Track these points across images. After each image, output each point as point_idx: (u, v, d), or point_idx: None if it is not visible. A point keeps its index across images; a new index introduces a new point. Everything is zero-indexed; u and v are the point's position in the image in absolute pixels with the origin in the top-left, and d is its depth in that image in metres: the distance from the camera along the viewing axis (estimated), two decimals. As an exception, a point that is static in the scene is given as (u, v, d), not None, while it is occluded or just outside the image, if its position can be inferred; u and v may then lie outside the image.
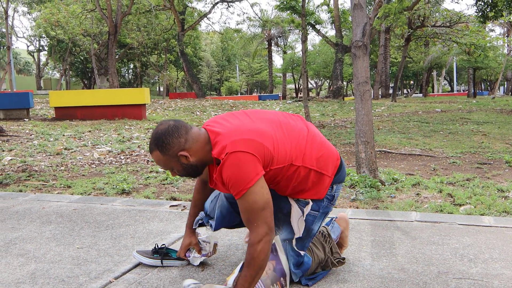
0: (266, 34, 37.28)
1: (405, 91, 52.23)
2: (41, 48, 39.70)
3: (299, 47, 44.19)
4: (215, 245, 2.35)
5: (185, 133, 1.87)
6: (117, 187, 4.26)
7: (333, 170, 2.04)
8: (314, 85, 52.47)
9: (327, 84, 49.73)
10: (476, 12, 14.87)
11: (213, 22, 79.03)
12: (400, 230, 2.84)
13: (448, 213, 3.23)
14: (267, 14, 35.07)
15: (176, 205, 3.57)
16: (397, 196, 3.77)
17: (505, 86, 51.91)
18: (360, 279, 2.12)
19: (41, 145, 7.10)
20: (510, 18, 18.35)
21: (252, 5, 33.41)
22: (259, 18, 31.50)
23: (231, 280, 1.92)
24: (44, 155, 6.33)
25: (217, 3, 26.49)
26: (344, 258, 2.20)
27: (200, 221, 2.28)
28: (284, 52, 41.17)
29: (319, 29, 24.02)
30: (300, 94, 39.36)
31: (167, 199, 3.88)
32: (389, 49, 27.75)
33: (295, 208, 2.01)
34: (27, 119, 11.42)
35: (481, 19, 14.58)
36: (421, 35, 23.04)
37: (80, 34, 26.86)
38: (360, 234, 2.77)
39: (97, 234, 2.88)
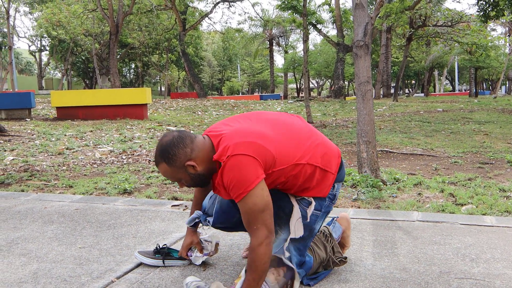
0: (268, 33, 37.26)
1: (406, 90, 52.17)
2: (42, 48, 39.74)
3: (300, 46, 44.25)
4: (217, 244, 2.35)
5: (190, 143, 1.87)
6: (119, 187, 4.26)
7: (336, 167, 2.06)
8: (316, 85, 52.46)
9: (328, 83, 49.68)
10: (477, 11, 14.85)
11: (214, 22, 79.13)
12: (401, 230, 2.84)
13: (450, 213, 3.23)
14: (268, 13, 35.05)
15: (177, 205, 3.57)
16: (398, 196, 3.76)
17: (507, 85, 51.86)
18: (362, 279, 2.12)
19: (43, 145, 7.11)
20: (511, 18, 18.31)
21: (253, 5, 33.38)
22: (261, 17, 31.47)
23: (238, 285, 1.91)
24: (46, 155, 6.34)
25: (218, 3, 26.48)
26: (345, 258, 2.20)
27: (197, 220, 2.26)
28: (286, 52, 41.14)
29: (321, 29, 24.02)
30: (302, 93, 39.33)
31: (168, 199, 3.88)
32: (391, 49, 27.73)
33: (296, 209, 2.01)
34: (29, 119, 11.43)
35: (483, 19, 14.56)
36: (422, 35, 23.02)
37: (82, 34, 26.90)
38: (362, 234, 2.77)
39: (99, 233, 2.88)
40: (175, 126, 10.39)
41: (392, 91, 27.17)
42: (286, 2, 19.94)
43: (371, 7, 28.16)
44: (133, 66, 42.97)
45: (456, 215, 3.15)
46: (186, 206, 3.51)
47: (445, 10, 20.68)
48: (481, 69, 36.82)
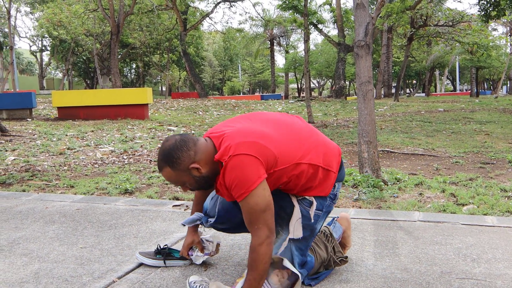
0: (268, 33, 37.26)
1: (407, 90, 52.13)
2: (43, 48, 39.77)
3: (301, 46, 44.20)
4: (218, 245, 2.35)
5: (193, 145, 1.86)
6: (120, 187, 4.26)
7: (337, 166, 2.06)
8: (317, 85, 52.45)
9: (329, 83, 49.68)
10: (478, 11, 14.84)
11: (215, 22, 79.34)
12: (403, 230, 2.84)
13: (451, 213, 3.23)
14: (269, 13, 35.03)
15: (179, 205, 3.57)
16: (400, 196, 3.76)
17: (508, 85, 51.77)
18: (363, 279, 2.12)
19: (44, 145, 7.12)
20: (513, 17, 18.29)
21: (254, 5, 33.35)
22: (261, 17, 31.47)
23: (239, 284, 1.92)
24: (47, 155, 6.35)
25: (219, 2, 26.49)
26: (346, 257, 2.20)
27: (198, 222, 2.25)
28: (286, 52, 41.16)
29: (322, 29, 24.02)
30: (303, 93, 39.34)
31: (170, 199, 3.88)
32: (392, 49, 27.70)
33: (296, 209, 2.01)
34: (30, 119, 11.45)
35: (484, 18, 14.55)
36: (423, 35, 23.01)
37: (83, 34, 26.93)
38: (363, 234, 2.77)
39: (100, 233, 2.88)
40: (176, 126, 10.39)
41: (393, 91, 27.15)
42: (287, 2, 19.95)
43: (372, 7, 28.14)
44: (134, 66, 42.97)
45: (457, 215, 3.15)
46: (187, 206, 3.52)
47: (446, 10, 20.67)
48: (482, 69, 36.79)
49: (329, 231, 2.26)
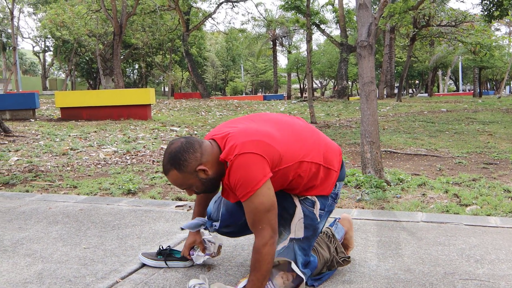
0: (271, 34, 37.27)
1: (410, 91, 52.07)
2: (46, 48, 39.90)
3: (303, 47, 44.15)
4: (220, 246, 2.34)
5: (199, 147, 1.85)
6: (123, 187, 4.27)
7: (338, 165, 2.07)
8: (319, 85, 52.43)
9: (332, 84, 49.68)
10: (481, 11, 14.82)
11: (217, 22, 79.43)
12: (406, 230, 2.83)
13: (454, 213, 3.22)
14: (271, 14, 35.02)
15: (181, 205, 3.58)
16: (402, 197, 3.76)
17: (511, 85, 51.67)
18: (366, 280, 2.12)
19: (47, 145, 7.14)
20: (516, 17, 18.25)
21: (256, 5, 33.31)
22: (264, 18, 31.48)
23: (241, 284, 1.92)
24: (50, 156, 6.36)
25: (221, 3, 26.52)
26: (349, 257, 2.20)
27: (202, 227, 2.24)
28: (289, 52, 41.16)
29: (324, 29, 23.99)
30: (305, 94, 39.32)
31: (172, 199, 3.89)
32: (394, 49, 27.67)
33: (298, 209, 2.01)
34: (33, 120, 11.48)
35: (487, 18, 14.53)
36: (426, 35, 22.96)
37: (86, 35, 27.00)
38: (366, 235, 2.77)
39: (104, 234, 2.89)
40: (179, 127, 10.40)
41: (396, 91, 27.11)
42: (290, 2, 19.92)
43: (374, 7, 28.13)
44: (136, 66, 43.07)
45: (460, 215, 3.14)
46: (190, 206, 3.52)
47: (449, 10, 20.64)
48: (485, 69, 36.72)
49: (331, 232, 2.27)
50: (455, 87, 58.66)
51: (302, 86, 43.22)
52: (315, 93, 47.23)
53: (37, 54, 41.88)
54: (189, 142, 1.85)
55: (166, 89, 46.06)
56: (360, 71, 4.23)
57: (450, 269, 2.22)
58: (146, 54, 34.28)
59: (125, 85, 30.42)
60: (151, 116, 12.51)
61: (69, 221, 3.20)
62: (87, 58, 36.29)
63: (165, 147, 7.11)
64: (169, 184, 4.49)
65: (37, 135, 8.36)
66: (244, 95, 46.89)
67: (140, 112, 11.84)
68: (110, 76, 30.30)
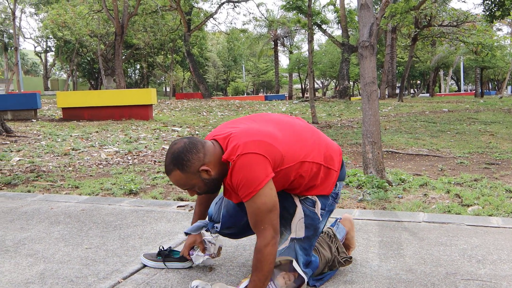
0: (272, 34, 37.27)
1: (412, 91, 52.04)
2: (48, 49, 39.95)
3: (305, 47, 44.17)
4: (220, 248, 2.34)
5: (202, 148, 1.85)
6: (125, 187, 4.27)
7: (338, 165, 2.07)
8: (321, 85, 52.40)
9: (333, 84, 49.65)
10: (483, 11, 14.81)
11: (219, 23, 79.45)
12: (407, 231, 2.83)
13: (456, 213, 3.22)
14: (273, 14, 35.07)
15: (183, 206, 3.58)
16: (404, 197, 3.75)
17: (513, 85, 51.56)
18: (368, 280, 2.11)
19: (49, 145, 7.14)
20: (517, 17, 18.23)
21: (258, 5, 33.38)
22: (265, 18, 31.52)
23: (243, 284, 1.92)
24: (52, 156, 6.37)
25: (223, 3, 26.54)
26: (351, 257, 2.20)
27: (204, 229, 2.25)
28: (290, 52, 41.17)
29: (325, 29, 24.00)
30: (307, 94, 39.32)
31: (174, 200, 3.89)
32: (396, 49, 27.65)
33: (299, 209, 2.01)
34: (35, 120, 11.49)
35: (488, 18, 14.52)
36: (428, 35, 22.95)
37: (87, 35, 27.03)
38: (368, 235, 2.77)
39: (105, 234, 2.89)
40: (180, 127, 10.41)
41: (398, 91, 27.08)
42: (291, 2, 19.95)
43: (376, 7, 28.11)
44: (138, 66, 43.12)
45: (462, 216, 3.14)
46: (191, 207, 3.52)
47: (451, 10, 20.63)
48: (487, 69, 36.68)
49: (332, 232, 2.27)
50: (456, 87, 58.61)
51: (303, 86, 43.22)
52: (316, 93, 47.22)
53: (39, 55, 41.94)
54: (192, 143, 1.85)
55: (168, 89, 46.11)
56: (362, 71, 4.23)
57: (452, 269, 2.22)
58: (148, 55, 34.30)
59: (127, 86, 30.46)
60: (153, 116, 12.52)
61: (71, 221, 3.20)
62: (89, 59, 36.34)
63: (166, 147, 7.12)
64: (171, 185, 4.49)
65: (38, 135, 8.37)
66: (245, 95, 46.87)
67: (141, 112, 11.85)
68: (111, 77, 30.32)
